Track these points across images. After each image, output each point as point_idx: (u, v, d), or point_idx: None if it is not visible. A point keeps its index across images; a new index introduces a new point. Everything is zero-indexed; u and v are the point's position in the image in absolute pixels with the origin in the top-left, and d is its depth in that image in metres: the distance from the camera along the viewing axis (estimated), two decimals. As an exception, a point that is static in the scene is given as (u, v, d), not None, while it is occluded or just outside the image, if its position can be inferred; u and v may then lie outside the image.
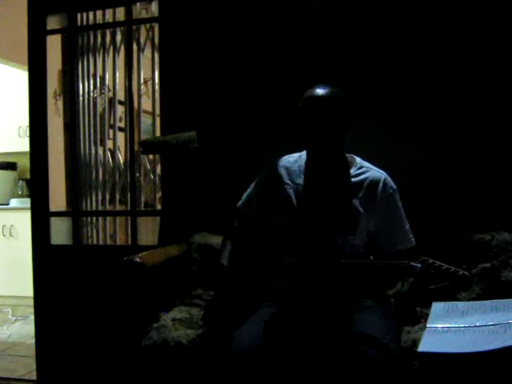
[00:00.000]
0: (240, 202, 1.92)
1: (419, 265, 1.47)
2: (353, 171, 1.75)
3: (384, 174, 1.75)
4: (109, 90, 2.91)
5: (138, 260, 1.97)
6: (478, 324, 1.56)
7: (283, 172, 1.81)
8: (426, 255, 1.48)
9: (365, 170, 1.75)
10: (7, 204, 5.00)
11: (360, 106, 2.12)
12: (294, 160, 1.83)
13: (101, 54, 2.87)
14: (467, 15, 2.12)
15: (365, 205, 1.70)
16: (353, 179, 1.73)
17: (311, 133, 1.68)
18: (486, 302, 1.72)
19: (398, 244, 1.72)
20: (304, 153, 1.83)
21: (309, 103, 1.66)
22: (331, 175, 1.75)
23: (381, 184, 1.72)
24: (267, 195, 1.84)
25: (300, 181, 1.77)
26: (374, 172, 1.75)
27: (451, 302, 1.76)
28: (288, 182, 1.79)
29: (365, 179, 1.73)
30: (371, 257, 1.72)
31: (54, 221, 2.78)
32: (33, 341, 2.81)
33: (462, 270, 1.42)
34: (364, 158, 1.80)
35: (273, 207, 1.80)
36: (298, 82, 2.32)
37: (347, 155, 1.80)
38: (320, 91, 1.66)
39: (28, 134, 2.92)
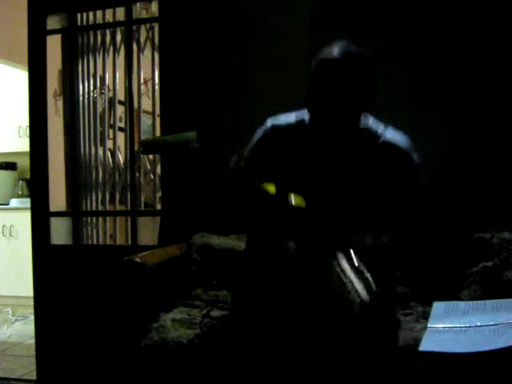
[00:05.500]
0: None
1: None
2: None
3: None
4: (109, 90, 2.91)
5: (138, 260, 1.96)
6: (479, 324, 1.55)
7: (284, 138, 1.59)
8: None
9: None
10: (7, 204, 5.00)
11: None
12: (294, 122, 1.61)
13: (101, 54, 2.87)
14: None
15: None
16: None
17: (323, 103, 1.41)
18: (487, 301, 1.71)
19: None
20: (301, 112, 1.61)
21: (321, 68, 1.39)
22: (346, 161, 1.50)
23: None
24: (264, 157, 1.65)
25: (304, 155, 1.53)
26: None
27: (452, 302, 1.75)
28: (293, 154, 1.56)
29: None
30: None
31: (53, 221, 2.77)
32: (33, 341, 2.81)
33: None
34: None
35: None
36: (299, 82, 2.33)
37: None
38: (335, 52, 1.38)
39: (28, 134, 2.92)
